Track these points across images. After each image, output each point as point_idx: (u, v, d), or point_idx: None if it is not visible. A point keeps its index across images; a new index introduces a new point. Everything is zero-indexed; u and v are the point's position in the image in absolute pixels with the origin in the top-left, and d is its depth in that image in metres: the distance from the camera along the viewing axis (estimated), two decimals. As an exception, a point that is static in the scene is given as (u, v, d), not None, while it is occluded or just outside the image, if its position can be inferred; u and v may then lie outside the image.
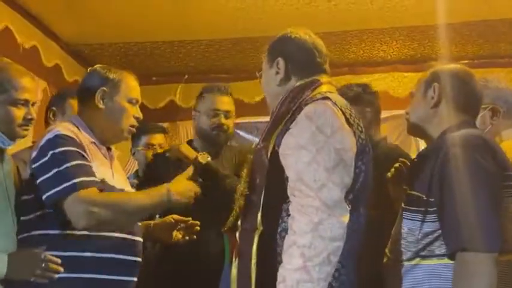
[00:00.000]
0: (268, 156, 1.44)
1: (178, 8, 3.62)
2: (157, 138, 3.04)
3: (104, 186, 1.63)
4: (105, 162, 1.75)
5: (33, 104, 1.70)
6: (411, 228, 1.46)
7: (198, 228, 1.93)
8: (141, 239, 1.76)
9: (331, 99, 1.46)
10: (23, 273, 1.54)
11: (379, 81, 4.66)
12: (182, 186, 1.69)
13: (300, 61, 1.57)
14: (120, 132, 1.78)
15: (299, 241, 1.28)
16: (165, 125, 4.58)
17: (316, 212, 1.29)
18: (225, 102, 2.36)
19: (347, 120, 1.44)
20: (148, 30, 4.00)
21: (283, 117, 1.47)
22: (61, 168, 1.58)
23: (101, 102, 1.75)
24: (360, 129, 1.47)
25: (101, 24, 3.87)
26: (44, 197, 1.59)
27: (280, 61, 1.57)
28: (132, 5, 3.58)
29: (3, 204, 1.64)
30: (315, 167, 1.32)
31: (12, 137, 1.66)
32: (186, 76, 4.85)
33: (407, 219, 1.48)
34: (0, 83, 1.61)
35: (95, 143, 1.74)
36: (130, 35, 4.10)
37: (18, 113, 1.64)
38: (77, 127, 1.73)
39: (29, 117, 1.67)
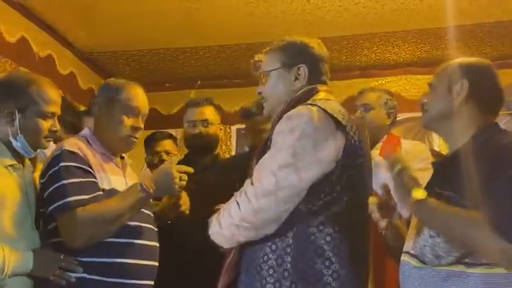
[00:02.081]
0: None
1: (191, 15, 3.65)
2: (164, 145, 3.01)
3: (98, 198, 1.68)
4: (117, 171, 1.79)
5: (58, 117, 1.75)
6: None
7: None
8: (157, 244, 1.79)
9: (318, 106, 1.52)
10: (44, 271, 1.59)
11: (392, 84, 4.65)
12: (158, 176, 1.70)
13: (318, 71, 1.66)
14: (119, 142, 1.82)
15: (230, 210, 1.51)
16: (179, 131, 4.63)
17: (251, 195, 1.47)
18: (201, 113, 2.46)
19: (338, 123, 1.51)
20: (161, 37, 4.05)
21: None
22: (58, 184, 1.65)
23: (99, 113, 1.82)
24: (353, 130, 1.56)
25: (114, 32, 3.92)
26: (48, 211, 1.67)
27: (304, 68, 1.64)
28: (145, 13, 3.62)
29: (25, 211, 1.67)
30: (271, 162, 1.48)
31: (36, 147, 1.70)
32: (199, 82, 4.88)
33: None
34: (31, 96, 1.64)
35: (105, 153, 1.79)
36: (144, 42, 4.14)
37: (46, 125, 1.67)
38: (87, 140, 1.79)
39: (54, 129, 1.71)
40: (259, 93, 1.70)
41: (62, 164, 1.65)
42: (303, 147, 1.46)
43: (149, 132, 3.08)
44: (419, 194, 1.32)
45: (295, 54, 1.66)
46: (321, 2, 3.49)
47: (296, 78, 1.64)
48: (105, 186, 1.70)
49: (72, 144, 1.72)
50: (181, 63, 4.54)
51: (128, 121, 1.79)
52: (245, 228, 1.46)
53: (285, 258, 1.45)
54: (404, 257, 1.46)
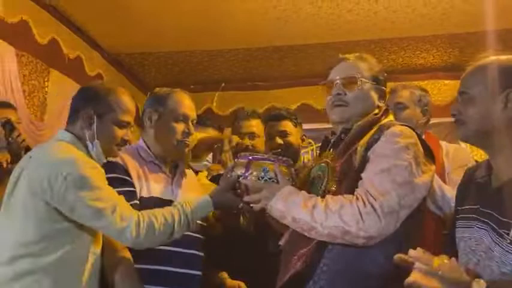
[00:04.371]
0: (357, 161, 1.53)
1: (217, 17, 3.66)
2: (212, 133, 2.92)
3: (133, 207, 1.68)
4: (163, 180, 1.81)
5: (132, 127, 1.77)
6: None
7: None
8: (196, 252, 1.80)
9: (414, 130, 1.57)
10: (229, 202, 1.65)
11: (418, 89, 4.59)
12: None
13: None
14: (173, 148, 1.84)
15: (342, 213, 1.42)
16: (202, 132, 4.64)
17: (379, 210, 1.40)
18: (249, 126, 2.47)
19: (423, 142, 1.54)
20: (187, 39, 4.07)
21: (367, 131, 1.58)
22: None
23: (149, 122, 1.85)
24: None
25: (141, 34, 3.95)
26: None
27: (382, 90, 1.68)
28: (171, 16, 3.65)
29: None
30: (386, 176, 1.44)
31: (108, 154, 1.72)
32: (223, 84, 4.89)
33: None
34: (109, 104, 1.69)
35: (153, 162, 1.82)
36: (170, 44, 4.17)
37: (120, 133, 1.70)
38: (137, 150, 1.83)
39: (126, 138, 1.73)
40: (339, 94, 1.64)
41: (107, 175, 1.70)
42: (416, 166, 1.46)
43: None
44: (480, 285, 1.18)
45: (381, 75, 1.68)
46: (350, 5, 3.47)
47: (381, 97, 1.66)
48: (144, 194, 1.73)
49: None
50: (207, 65, 4.56)
51: (179, 127, 1.82)
52: (357, 237, 1.41)
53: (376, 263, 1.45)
54: None
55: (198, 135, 2.02)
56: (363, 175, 1.47)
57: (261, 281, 1.78)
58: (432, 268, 1.20)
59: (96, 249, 1.62)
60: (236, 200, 1.61)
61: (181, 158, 1.90)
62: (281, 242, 1.62)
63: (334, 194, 1.51)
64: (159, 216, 1.56)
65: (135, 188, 1.72)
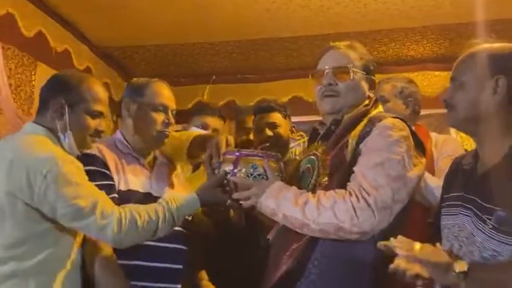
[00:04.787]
0: (349, 155, 1.51)
1: (206, 10, 3.62)
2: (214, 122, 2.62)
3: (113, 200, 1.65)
4: (141, 172, 1.79)
5: (104, 117, 1.74)
6: (498, 251, 1.26)
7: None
8: (180, 246, 1.77)
9: (406, 123, 1.56)
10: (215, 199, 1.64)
11: (409, 80, 4.58)
12: None
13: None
14: (152, 139, 1.82)
15: (335, 209, 1.40)
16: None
17: (373, 206, 1.39)
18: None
19: (414, 135, 1.53)
20: (177, 32, 4.03)
21: (357, 123, 1.56)
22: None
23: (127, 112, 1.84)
24: None
25: (130, 27, 3.91)
26: None
27: (372, 80, 1.67)
28: (161, 8, 3.61)
29: None
30: (379, 170, 1.42)
31: (82, 145, 1.69)
32: (214, 77, 4.86)
33: (498, 241, 1.25)
34: (81, 93, 1.65)
35: (131, 154, 1.79)
36: (159, 37, 4.13)
37: (92, 123, 1.67)
38: (115, 142, 1.80)
39: (100, 129, 1.70)
40: (330, 84, 1.61)
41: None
42: (409, 160, 1.46)
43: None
44: (462, 265, 1.20)
45: (372, 64, 1.67)
46: (339, -3, 3.45)
47: (371, 88, 1.65)
48: (122, 187, 1.71)
49: (95, 147, 1.74)
50: (197, 58, 4.53)
51: (159, 117, 1.80)
52: (351, 232, 1.39)
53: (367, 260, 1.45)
54: None
55: (193, 133, 2.01)
56: (355, 169, 1.46)
57: (250, 276, 1.78)
58: (414, 253, 1.21)
59: (78, 247, 1.59)
60: (224, 197, 1.58)
61: (161, 148, 1.89)
62: (270, 236, 1.62)
63: (325, 187, 1.50)
64: (142, 213, 1.53)
65: (114, 181, 1.70)
